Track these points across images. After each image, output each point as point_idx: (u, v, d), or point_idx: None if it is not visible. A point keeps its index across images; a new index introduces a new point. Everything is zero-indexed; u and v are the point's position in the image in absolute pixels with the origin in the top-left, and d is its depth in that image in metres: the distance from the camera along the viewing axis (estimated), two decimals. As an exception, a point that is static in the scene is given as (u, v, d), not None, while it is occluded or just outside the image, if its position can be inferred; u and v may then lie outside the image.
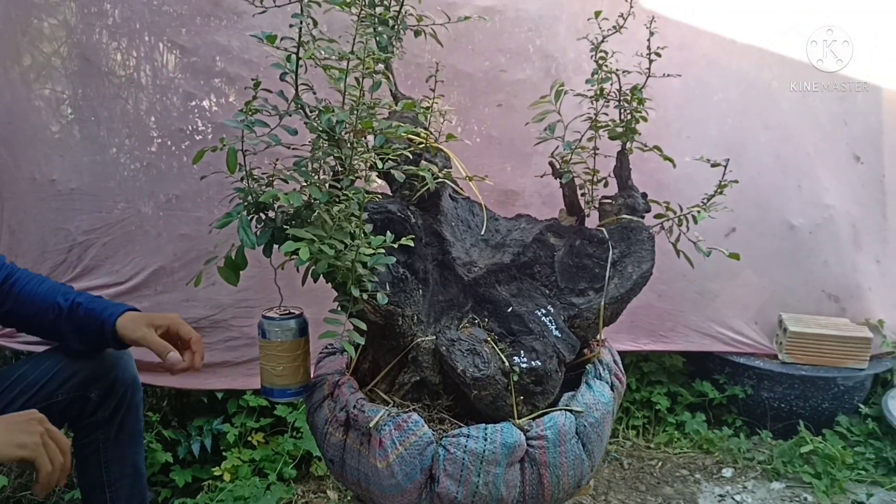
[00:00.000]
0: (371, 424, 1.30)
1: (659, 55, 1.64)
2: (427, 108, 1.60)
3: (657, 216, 1.65)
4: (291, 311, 1.48)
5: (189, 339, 1.60)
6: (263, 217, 1.40)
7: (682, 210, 1.63)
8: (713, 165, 1.60)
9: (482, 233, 1.51)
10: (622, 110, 1.62)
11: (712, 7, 2.64)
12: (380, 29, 1.62)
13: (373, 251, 1.26)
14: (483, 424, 1.30)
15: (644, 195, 1.64)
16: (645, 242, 1.50)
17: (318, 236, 1.23)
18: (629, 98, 1.61)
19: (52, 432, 1.32)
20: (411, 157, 1.43)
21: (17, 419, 1.32)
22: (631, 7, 1.65)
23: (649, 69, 1.65)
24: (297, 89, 1.37)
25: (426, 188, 1.47)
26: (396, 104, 1.57)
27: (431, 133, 1.61)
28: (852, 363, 2.65)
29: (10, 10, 2.18)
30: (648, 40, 1.65)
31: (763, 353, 2.76)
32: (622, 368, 1.56)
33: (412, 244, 1.31)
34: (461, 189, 1.62)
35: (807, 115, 2.77)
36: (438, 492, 1.27)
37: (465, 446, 1.27)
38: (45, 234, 2.28)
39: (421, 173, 1.44)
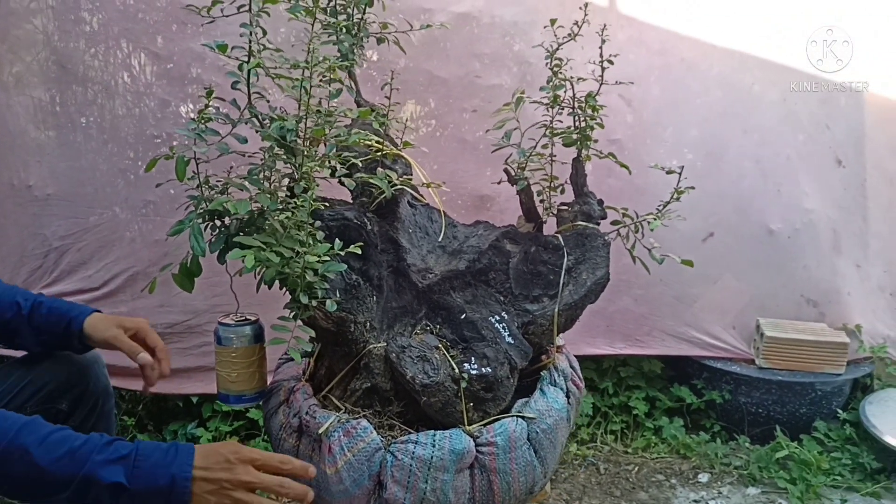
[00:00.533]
0: (320, 431, 1.32)
1: (611, 62, 1.66)
2: (384, 115, 1.61)
3: (613, 223, 1.66)
4: (248, 317, 1.49)
5: (154, 348, 1.58)
6: (218, 225, 1.41)
7: (637, 217, 1.62)
8: (668, 172, 1.60)
9: (439, 239, 1.53)
10: (576, 118, 1.63)
11: (692, 11, 2.64)
12: (342, 37, 1.64)
13: (318, 258, 1.27)
14: (432, 431, 1.32)
15: (600, 202, 1.65)
16: (600, 249, 1.51)
17: (266, 244, 1.24)
18: (583, 105, 1.61)
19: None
20: (360, 164, 1.44)
21: (212, 486, 1.21)
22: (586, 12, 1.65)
23: (602, 76, 1.64)
24: (249, 98, 1.39)
25: (383, 195, 1.49)
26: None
27: (390, 140, 1.63)
28: (829, 368, 2.64)
29: (-12, 18, 2.20)
30: (601, 47, 1.65)
31: (741, 357, 2.76)
32: (580, 375, 1.57)
33: (359, 251, 1.33)
34: (421, 196, 1.63)
35: (788, 118, 2.77)
36: (386, 498, 1.29)
37: (413, 453, 1.28)
38: (23, 239, 2.31)
39: (372, 181, 1.45)
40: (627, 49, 2.60)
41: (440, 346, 1.39)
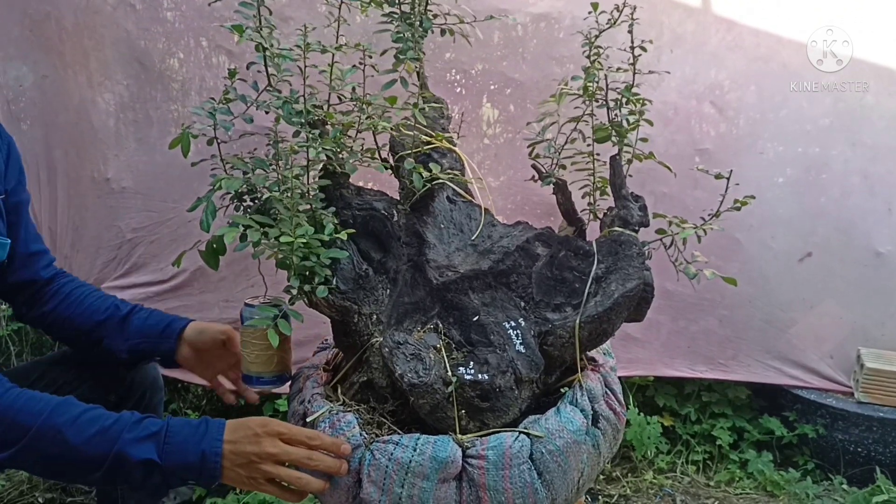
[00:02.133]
0: (309, 419, 1.28)
1: (644, 49, 1.49)
2: (439, 108, 1.56)
3: (658, 231, 1.51)
4: (275, 301, 1.46)
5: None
6: (241, 205, 1.39)
7: (678, 225, 1.46)
8: (717, 177, 1.45)
9: (473, 238, 1.44)
10: (609, 110, 1.50)
11: (795, 15, 2.46)
12: (400, 27, 1.59)
13: (304, 242, 1.23)
14: (418, 434, 1.23)
15: (643, 207, 1.50)
16: (633, 259, 1.35)
17: (262, 223, 1.21)
18: (620, 99, 1.48)
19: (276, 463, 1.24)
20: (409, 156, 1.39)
21: (241, 460, 1.23)
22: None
23: (633, 64, 1.50)
24: (269, 79, 1.37)
25: (419, 188, 1.43)
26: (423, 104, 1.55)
27: (445, 136, 1.56)
28: (941, 407, 2.38)
29: (78, 17, 2.29)
30: (630, 31, 1.50)
31: (838, 390, 2.53)
32: (620, 399, 1.41)
33: (344, 237, 1.30)
34: (465, 193, 1.55)
35: (903, 131, 2.53)
36: (362, 497, 1.22)
37: (392, 454, 1.21)
38: (100, 230, 2.39)
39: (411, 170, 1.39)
40: (722, 53, 2.45)
41: (439, 346, 1.30)
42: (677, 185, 2.46)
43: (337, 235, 1.28)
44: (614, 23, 1.48)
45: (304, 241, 1.24)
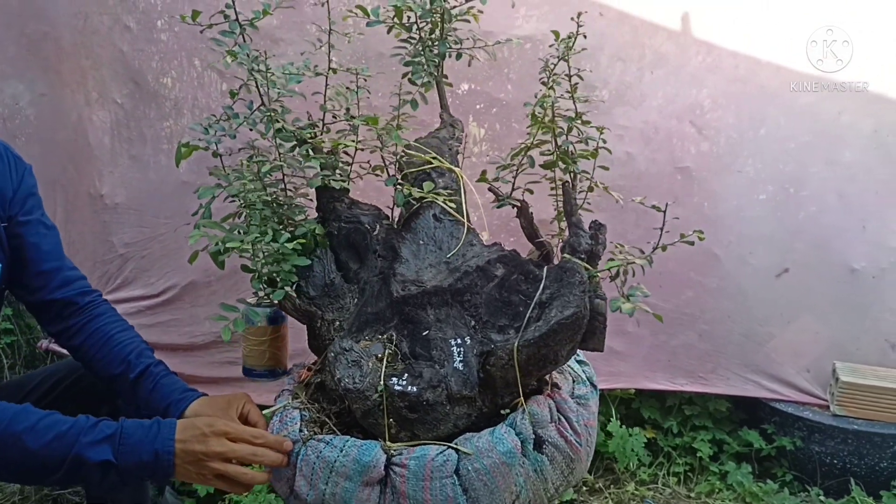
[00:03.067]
0: (265, 412, 1.43)
1: (581, 77, 1.52)
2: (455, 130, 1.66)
3: (610, 260, 1.50)
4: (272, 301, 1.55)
5: (256, 424, 1.49)
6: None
7: (640, 253, 1.46)
8: (653, 207, 1.45)
9: (448, 255, 1.49)
10: (556, 137, 1.54)
11: (773, 38, 2.52)
12: (420, 50, 1.66)
13: (271, 247, 1.37)
14: (348, 437, 1.31)
15: (595, 235, 1.50)
16: (575, 286, 1.35)
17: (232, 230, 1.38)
18: (569, 125, 1.51)
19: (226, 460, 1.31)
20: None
21: (190, 458, 1.30)
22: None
23: (573, 93, 1.53)
24: (262, 100, 1.44)
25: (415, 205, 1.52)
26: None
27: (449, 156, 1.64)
28: (913, 421, 2.44)
29: (76, 37, 2.35)
30: (567, 63, 1.53)
31: (814, 403, 2.59)
32: (576, 428, 1.40)
33: (300, 247, 1.41)
34: (455, 211, 1.59)
35: (878, 151, 2.58)
36: (295, 489, 1.32)
37: (320, 452, 1.30)
38: (96, 245, 2.44)
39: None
40: (702, 75, 2.51)
41: (382, 355, 1.37)
42: (658, 202, 2.51)
43: (291, 245, 1.39)
44: (566, 55, 1.50)
45: (269, 247, 1.35)
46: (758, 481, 2.58)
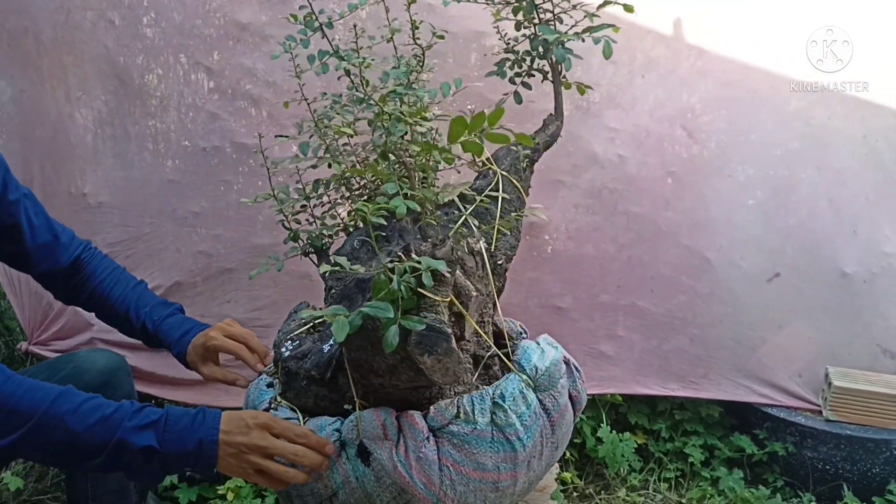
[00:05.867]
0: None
1: None
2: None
3: None
4: None
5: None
6: None
7: None
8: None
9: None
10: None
11: (765, 42, 2.52)
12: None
13: None
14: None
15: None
16: None
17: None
18: None
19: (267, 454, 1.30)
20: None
21: (232, 450, 1.29)
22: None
23: None
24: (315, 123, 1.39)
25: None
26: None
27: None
28: (906, 426, 2.42)
29: (57, 32, 2.30)
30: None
31: (807, 408, 2.57)
32: (413, 456, 1.31)
33: None
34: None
35: (868, 156, 2.58)
36: None
37: None
38: (77, 245, 2.37)
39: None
40: (693, 79, 2.50)
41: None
42: (649, 206, 2.50)
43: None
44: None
45: None
46: (749, 487, 2.56)
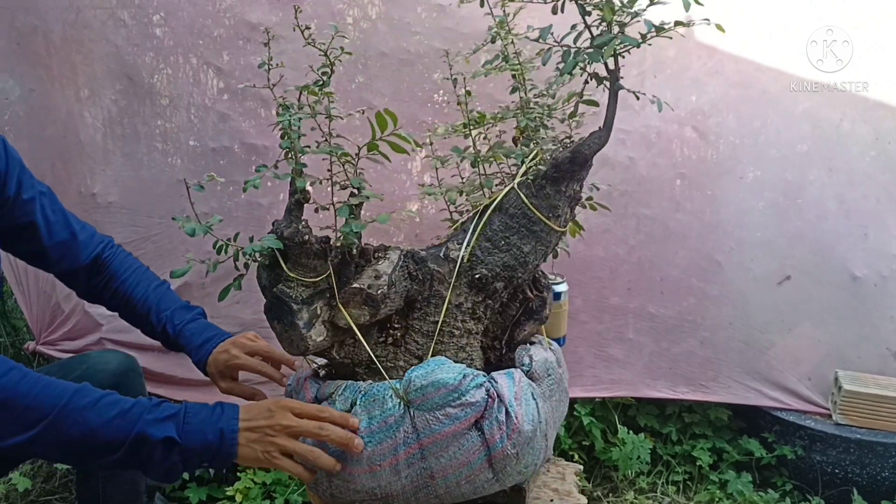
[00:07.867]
0: None
1: None
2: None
3: None
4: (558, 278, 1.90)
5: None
6: None
7: None
8: None
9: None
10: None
11: (774, 41, 2.50)
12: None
13: None
14: None
15: None
16: None
17: None
18: None
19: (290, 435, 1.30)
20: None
21: (255, 435, 1.29)
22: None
23: None
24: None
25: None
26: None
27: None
28: (915, 430, 2.41)
29: (66, 31, 2.29)
30: None
31: (816, 412, 2.56)
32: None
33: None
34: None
35: (879, 158, 2.57)
36: None
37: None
38: (86, 245, 2.37)
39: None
40: (703, 79, 2.49)
41: None
42: (659, 208, 2.50)
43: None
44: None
45: None
46: (758, 490, 2.55)
